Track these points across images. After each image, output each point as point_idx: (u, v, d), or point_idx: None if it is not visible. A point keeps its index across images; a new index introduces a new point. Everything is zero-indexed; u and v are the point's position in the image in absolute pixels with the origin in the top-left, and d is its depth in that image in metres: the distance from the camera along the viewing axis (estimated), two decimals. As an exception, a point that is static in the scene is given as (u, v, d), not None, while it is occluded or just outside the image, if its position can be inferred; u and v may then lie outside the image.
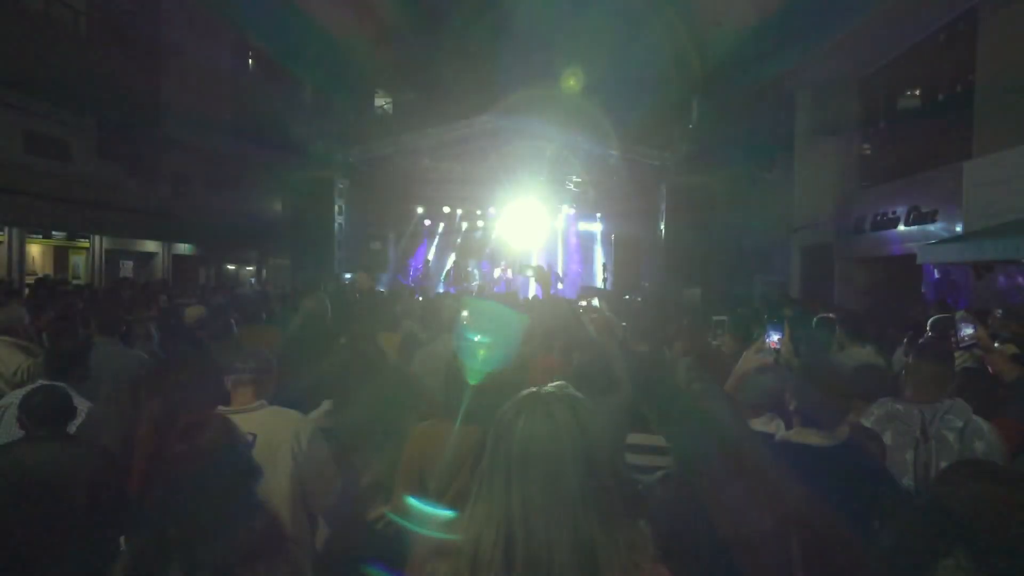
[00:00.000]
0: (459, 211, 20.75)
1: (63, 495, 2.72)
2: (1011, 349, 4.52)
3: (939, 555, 1.27)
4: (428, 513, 2.68)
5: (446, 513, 2.35)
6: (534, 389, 1.30)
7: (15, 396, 3.49)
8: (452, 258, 21.67)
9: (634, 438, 3.24)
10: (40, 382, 3.43)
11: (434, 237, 21.48)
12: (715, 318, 5.42)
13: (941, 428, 2.75)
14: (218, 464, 1.73)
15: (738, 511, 2.03)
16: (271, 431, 2.68)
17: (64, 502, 2.72)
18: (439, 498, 2.64)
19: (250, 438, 2.38)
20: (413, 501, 2.72)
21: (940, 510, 1.34)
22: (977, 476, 1.35)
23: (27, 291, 10.13)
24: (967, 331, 3.08)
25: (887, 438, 2.83)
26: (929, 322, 5.69)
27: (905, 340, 5.40)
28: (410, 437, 2.75)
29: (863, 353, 4.77)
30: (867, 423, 2.92)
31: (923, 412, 2.80)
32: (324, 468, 2.79)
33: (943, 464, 2.63)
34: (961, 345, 3.07)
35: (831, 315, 5.77)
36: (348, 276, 14.64)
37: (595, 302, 4.90)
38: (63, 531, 2.72)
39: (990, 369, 3.51)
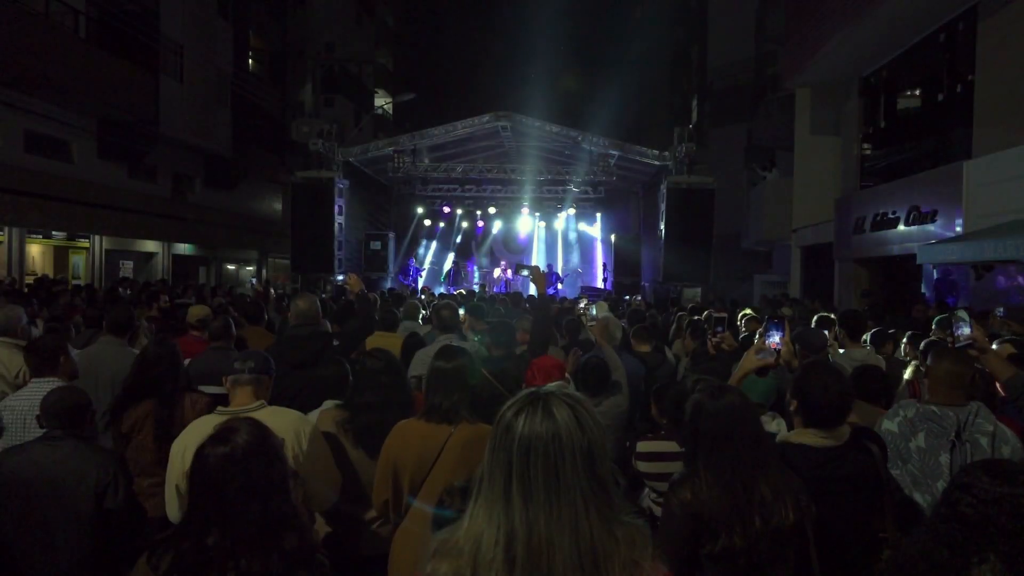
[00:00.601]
0: (459, 211, 20.77)
1: (70, 496, 2.73)
2: (1008, 349, 4.52)
3: (972, 562, 1.25)
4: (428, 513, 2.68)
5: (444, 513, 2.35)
6: (534, 389, 1.31)
7: (14, 398, 3.53)
8: (451, 258, 21.69)
9: (644, 445, 3.22)
10: (55, 383, 3.45)
11: (434, 237, 21.50)
12: (715, 315, 5.41)
13: (975, 432, 2.72)
14: (259, 466, 1.68)
15: (767, 505, 2.06)
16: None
17: (70, 503, 2.73)
18: (412, 493, 2.67)
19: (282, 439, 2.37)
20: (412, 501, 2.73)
21: (958, 517, 1.32)
22: (998, 479, 1.33)
23: (26, 291, 10.13)
24: (963, 331, 3.06)
25: (919, 440, 2.78)
26: (935, 321, 5.69)
27: (905, 339, 5.41)
28: (389, 435, 2.78)
29: (863, 353, 4.78)
30: (891, 424, 2.89)
31: (957, 414, 2.76)
32: (325, 468, 2.79)
33: None
34: (957, 345, 3.06)
35: (831, 315, 5.78)
36: (340, 278, 14.61)
37: (593, 310, 4.87)
38: (67, 531, 2.73)
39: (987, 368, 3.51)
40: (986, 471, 1.36)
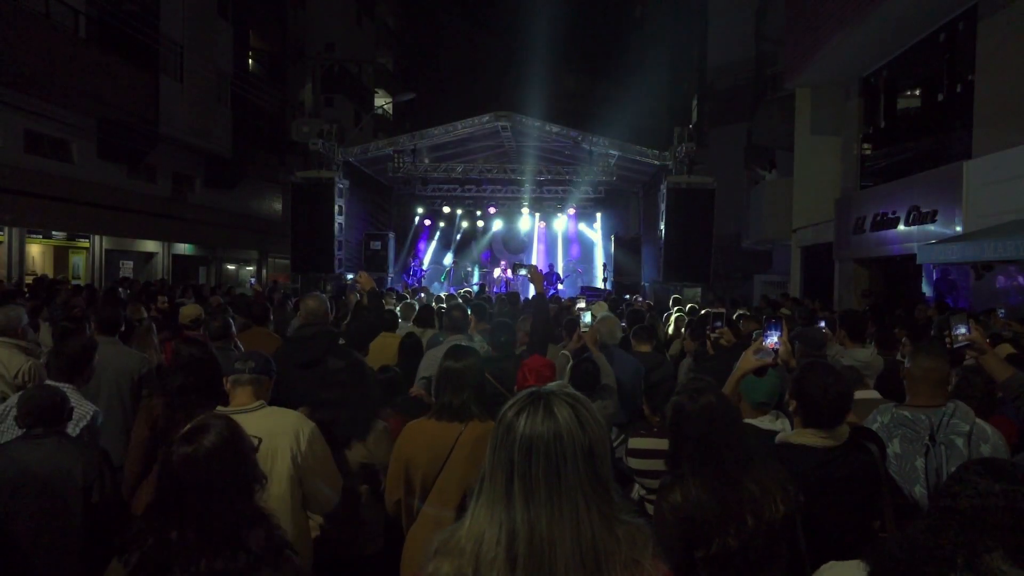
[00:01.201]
0: (459, 211, 20.77)
1: (59, 493, 2.73)
2: (1007, 349, 4.52)
3: (980, 550, 1.27)
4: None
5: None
6: (535, 388, 1.30)
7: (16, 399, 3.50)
8: (449, 257, 21.69)
9: (636, 442, 3.23)
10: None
11: (434, 237, 21.50)
12: (712, 311, 5.41)
13: (949, 433, 2.68)
14: (223, 469, 1.72)
15: (756, 501, 2.06)
16: (270, 432, 2.68)
17: (60, 500, 2.73)
18: (424, 492, 2.68)
19: (256, 442, 2.38)
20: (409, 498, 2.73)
21: (958, 510, 1.34)
22: (992, 475, 1.35)
23: (26, 291, 10.13)
24: (960, 331, 3.05)
25: (895, 446, 2.76)
26: (935, 322, 5.68)
27: (903, 339, 5.41)
28: (400, 435, 2.79)
29: (865, 353, 4.78)
30: (873, 427, 2.86)
31: (930, 417, 2.73)
32: (325, 468, 2.79)
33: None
34: (955, 345, 3.04)
35: (831, 314, 5.78)
36: (350, 276, 14.63)
37: (587, 316, 4.85)
38: (59, 529, 2.73)
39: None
40: (982, 467, 1.38)
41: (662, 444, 3.09)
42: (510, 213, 20.59)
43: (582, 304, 6.43)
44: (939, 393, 2.80)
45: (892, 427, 2.81)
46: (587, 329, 4.62)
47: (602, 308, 7.03)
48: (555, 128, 15.04)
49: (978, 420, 2.73)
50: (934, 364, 2.80)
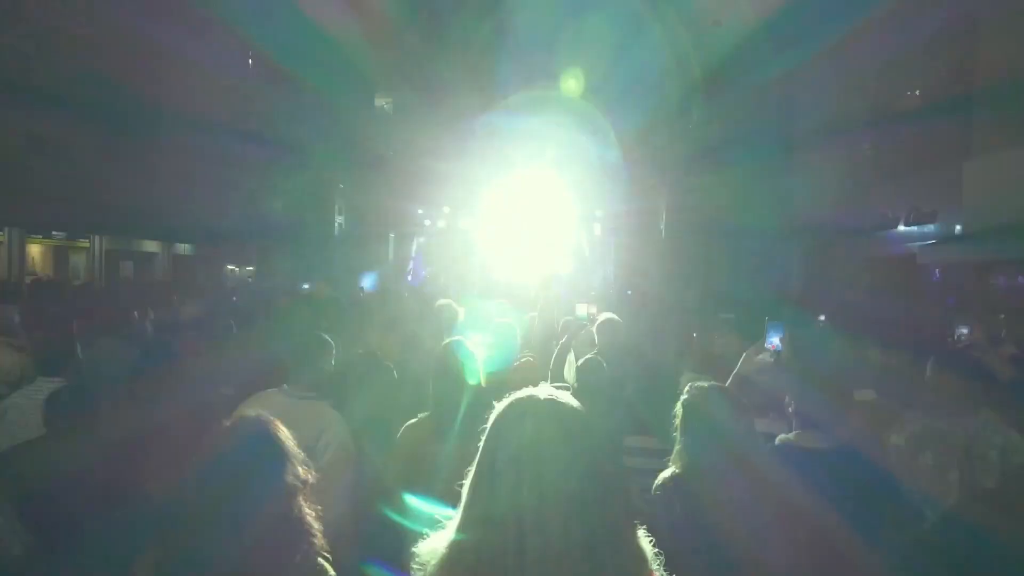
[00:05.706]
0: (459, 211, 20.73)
1: (81, 491, 2.72)
2: (1009, 350, 4.50)
3: None
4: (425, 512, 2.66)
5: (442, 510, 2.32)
6: (528, 391, 1.25)
7: (16, 396, 3.49)
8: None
9: (630, 440, 3.23)
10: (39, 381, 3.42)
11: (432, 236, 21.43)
12: (722, 316, 5.39)
13: (983, 446, 2.61)
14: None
15: (740, 505, 2.03)
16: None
17: (82, 498, 2.72)
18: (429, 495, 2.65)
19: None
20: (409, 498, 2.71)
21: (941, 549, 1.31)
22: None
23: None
24: (962, 331, 3.03)
25: (927, 458, 2.68)
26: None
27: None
28: (399, 435, 2.76)
29: (867, 356, 4.74)
30: (900, 440, 2.79)
31: (966, 429, 2.65)
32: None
33: (987, 484, 2.50)
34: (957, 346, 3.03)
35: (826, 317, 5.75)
36: (306, 287, 13.57)
37: (581, 310, 4.81)
38: (81, 527, 2.72)
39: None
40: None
41: (654, 443, 3.09)
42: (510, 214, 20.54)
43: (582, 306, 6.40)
44: (969, 404, 2.72)
45: (924, 439, 2.71)
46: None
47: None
48: (556, 128, 14.93)
49: (1011, 431, 2.66)
50: (964, 381, 2.73)
